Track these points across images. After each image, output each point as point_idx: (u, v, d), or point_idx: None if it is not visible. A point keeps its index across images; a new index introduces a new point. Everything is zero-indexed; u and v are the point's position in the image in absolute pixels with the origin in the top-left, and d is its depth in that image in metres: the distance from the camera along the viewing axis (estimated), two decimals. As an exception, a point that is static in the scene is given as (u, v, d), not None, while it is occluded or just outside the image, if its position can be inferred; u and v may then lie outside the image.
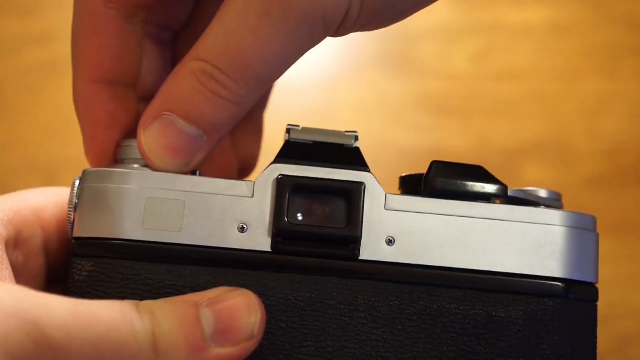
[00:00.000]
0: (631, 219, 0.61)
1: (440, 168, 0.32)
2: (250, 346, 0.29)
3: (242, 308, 0.29)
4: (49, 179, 0.64)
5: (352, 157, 0.31)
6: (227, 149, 0.38)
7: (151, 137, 0.31)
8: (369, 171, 0.31)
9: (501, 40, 0.68)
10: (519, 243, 0.31)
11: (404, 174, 0.33)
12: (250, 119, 0.39)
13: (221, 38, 0.30)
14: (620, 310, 0.58)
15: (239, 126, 0.38)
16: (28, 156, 0.65)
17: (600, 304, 0.57)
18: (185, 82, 0.30)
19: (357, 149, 0.32)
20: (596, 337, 0.31)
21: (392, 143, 0.65)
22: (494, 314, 0.30)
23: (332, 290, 0.30)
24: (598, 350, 0.58)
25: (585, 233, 0.32)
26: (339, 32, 0.31)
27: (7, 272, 0.30)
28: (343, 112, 0.66)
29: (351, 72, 0.66)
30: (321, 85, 0.66)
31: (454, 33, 0.68)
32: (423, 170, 0.32)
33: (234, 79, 0.30)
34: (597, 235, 0.32)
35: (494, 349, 0.30)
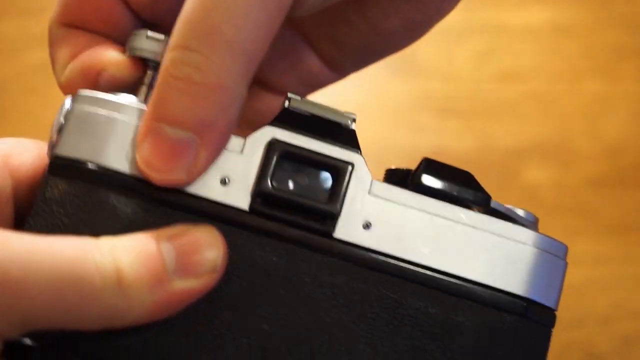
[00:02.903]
0: (632, 220, 0.62)
1: (430, 166, 0.32)
2: (213, 279, 0.29)
3: (203, 242, 0.29)
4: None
5: (346, 137, 0.31)
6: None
7: (144, 152, 0.30)
8: (360, 154, 0.31)
9: (503, 41, 0.68)
10: (490, 254, 0.31)
11: (391, 167, 0.33)
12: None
13: (183, 16, 0.29)
14: (621, 311, 0.58)
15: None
16: (30, 156, 0.65)
17: (601, 304, 0.58)
18: (161, 83, 0.29)
19: (353, 130, 0.31)
20: None
21: (394, 143, 0.65)
22: (452, 317, 0.30)
23: (300, 260, 0.30)
24: (599, 351, 0.58)
25: (555, 259, 0.32)
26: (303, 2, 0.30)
27: None
28: (344, 113, 0.66)
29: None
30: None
31: (455, 34, 0.68)
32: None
33: (202, 52, 0.28)
34: (566, 264, 0.32)
35: (445, 350, 0.30)
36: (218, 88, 0.29)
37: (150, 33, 0.32)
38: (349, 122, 0.31)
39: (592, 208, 0.62)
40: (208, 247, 0.29)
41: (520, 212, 0.33)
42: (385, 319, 0.30)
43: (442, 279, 0.31)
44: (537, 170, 0.63)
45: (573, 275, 0.60)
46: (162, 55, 0.31)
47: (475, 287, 0.31)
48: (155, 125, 0.29)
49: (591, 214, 0.61)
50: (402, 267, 0.31)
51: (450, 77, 0.67)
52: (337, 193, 0.30)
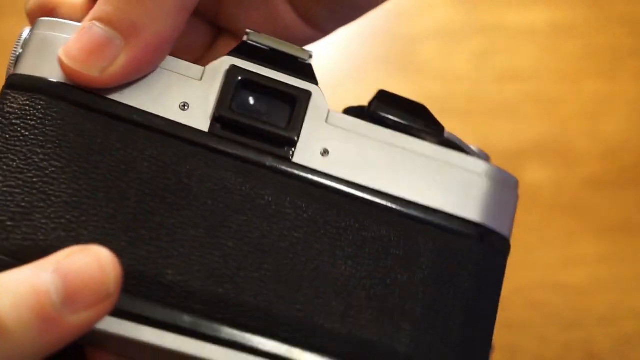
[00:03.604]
0: (632, 220, 0.62)
1: (384, 97, 0.33)
2: (107, 306, 0.27)
3: (92, 267, 0.27)
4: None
5: (303, 70, 0.32)
6: None
7: (67, 43, 0.30)
8: (318, 86, 0.32)
9: (502, 41, 0.68)
10: (444, 183, 0.32)
11: (349, 106, 0.34)
12: None
13: None
14: (621, 311, 0.58)
15: None
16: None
17: (600, 304, 0.58)
18: None
19: (310, 64, 0.32)
20: (500, 292, 0.32)
21: (393, 144, 0.65)
22: (412, 240, 0.31)
23: (261, 182, 0.30)
24: (599, 351, 0.58)
25: (506, 189, 0.33)
26: None
27: None
28: (344, 113, 0.66)
29: (352, 72, 0.67)
30: (322, 86, 0.66)
31: (455, 34, 0.68)
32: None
33: None
34: (517, 196, 0.33)
35: (406, 269, 0.31)
36: None
37: None
38: (307, 57, 0.32)
39: (592, 208, 0.62)
40: (98, 272, 0.27)
41: (474, 148, 0.34)
42: (348, 241, 0.30)
43: (400, 205, 0.31)
44: (537, 170, 0.63)
45: (573, 275, 0.60)
46: None
47: (432, 213, 0.31)
48: (89, 23, 0.29)
49: (591, 214, 0.61)
50: (361, 192, 0.31)
51: (450, 77, 0.67)
52: (294, 120, 0.31)
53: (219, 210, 0.30)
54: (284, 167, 0.31)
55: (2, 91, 0.30)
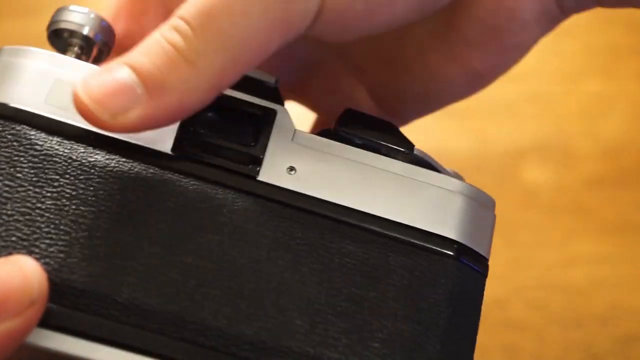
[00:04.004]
0: (632, 220, 0.61)
1: (351, 116, 0.33)
2: (35, 312, 0.27)
3: (14, 276, 0.27)
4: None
5: (269, 93, 0.32)
6: None
7: (90, 75, 0.29)
8: (284, 107, 0.32)
9: (502, 41, 0.68)
10: (418, 200, 0.31)
11: (322, 129, 0.33)
12: None
13: None
14: (621, 311, 0.58)
15: None
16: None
17: (600, 305, 0.58)
18: (150, 37, 0.29)
19: (276, 88, 0.32)
20: (480, 313, 0.31)
21: (393, 144, 0.65)
22: (384, 258, 0.30)
23: (227, 201, 0.30)
24: (599, 351, 0.58)
25: (483, 208, 0.32)
26: (315, 27, 0.30)
27: None
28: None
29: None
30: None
31: (454, 34, 0.68)
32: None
33: (193, 28, 0.28)
34: (494, 216, 0.32)
35: (377, 288, 0.30)
36: (192, 64, 0.29)
37: (73, 7, 0.34)
38: (273, 80, 0.32)
39: (591, 208, 0.62)
40: (20, 280, 0.27)
41: (448, 169, 0.33)
42: (314, 258, 0.30)
43: (371, 222, 0.31)
44: (536, 171, 0.63)
45: (573, 275, 0.60)
46: (89, 27, 0.33)
47: (403, 229, 0.31)
48: (120, 65, 0.29)
49: (591, 214, 0.61)
50: (329, 209, 0.31)
51: (449, 77, 0.67)
52: (259, 138, 0.31)
53: (179, 227, 0.29)
54: (248, 185, 0.31)
55: None
